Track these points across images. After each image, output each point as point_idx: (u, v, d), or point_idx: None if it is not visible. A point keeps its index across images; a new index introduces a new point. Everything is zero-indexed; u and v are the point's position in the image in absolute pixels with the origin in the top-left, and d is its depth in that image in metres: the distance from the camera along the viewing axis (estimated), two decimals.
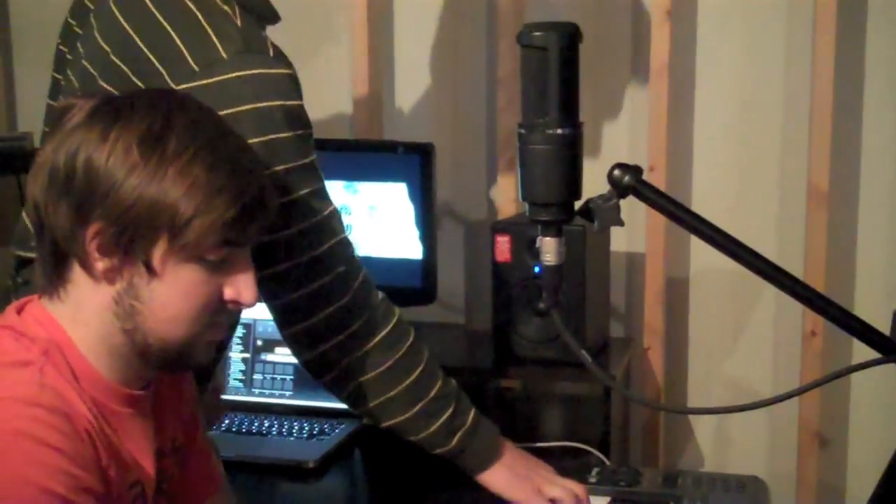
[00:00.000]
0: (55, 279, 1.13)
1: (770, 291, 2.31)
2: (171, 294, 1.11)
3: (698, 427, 2.39)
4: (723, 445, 2.39)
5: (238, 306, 1.16)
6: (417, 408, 1.50)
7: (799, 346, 2.23)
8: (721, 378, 2.36)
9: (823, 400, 2.23)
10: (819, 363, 2.19)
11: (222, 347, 1.62)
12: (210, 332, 1.16)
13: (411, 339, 1.50)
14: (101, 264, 1.10)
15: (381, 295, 1.50)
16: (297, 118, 1.37)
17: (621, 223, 1.05)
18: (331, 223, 1.43)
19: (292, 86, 1.37)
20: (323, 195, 1.43)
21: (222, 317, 1.17)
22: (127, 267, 1.10)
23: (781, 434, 2.32)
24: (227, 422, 1.96)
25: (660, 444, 2.32)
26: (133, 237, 1.08)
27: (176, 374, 1.26)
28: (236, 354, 2.06)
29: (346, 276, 1.44)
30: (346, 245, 1.46)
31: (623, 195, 1.03)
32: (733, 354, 2.36)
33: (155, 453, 1.21)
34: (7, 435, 1.01)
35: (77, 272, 1.12)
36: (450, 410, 1.52)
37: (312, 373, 1.50)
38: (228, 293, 1.14)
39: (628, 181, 1.02)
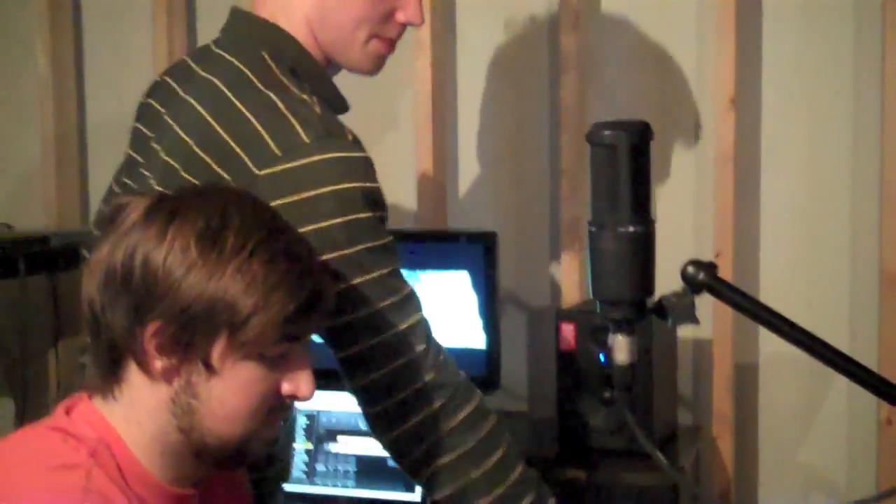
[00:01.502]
0: (110, 378, 1.13)
1: (843, 377, 2.24)
2: (229, 392, 1.10)
3: None
4: None
5: (295, 400, 1.15)
6: (499, 492, 1.45)
7: (875, 435, 2.16)
8: (793, 468, 2.29)
9: None
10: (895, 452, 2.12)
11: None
12: (267, 428, 1.15)
13: (493, 421, 1.47)
14: (159, 363, 1.09)
15: (462, 374, 1.48)
16: (375, 200, 1.39)
17: (696, 321, 1.03)
18: (410, 302, 1.42)
19: (370, 169, 1.39)
20: (401, 275, 1.43)
21: (279, 413, 1.16)
22: (185, 365, 1.09)
23: None
24: None
25: None
26: (193, 336, 1.08)
27: (230, 471, 1.25)
28: (299, 445, 2.05)
29: (427, 354, 1.42)
30: (425, 324, 1.45)
31: (697, 292, 1.01)
32: (805, 443, 2.29)
33: None
34: None
35: (133, 371, 1.11)
36: (530, 498, 1.47)
37: (393, 454, 1.47)
38: (286, 388, 1.13)
39: (703, 279, 1.00)
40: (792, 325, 1.00)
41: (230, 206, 1.11)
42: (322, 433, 2.04)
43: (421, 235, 2.25)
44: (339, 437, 2.03)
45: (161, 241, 1.08)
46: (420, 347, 1.42)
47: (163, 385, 1.10)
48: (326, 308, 1.16)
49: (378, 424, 1.45)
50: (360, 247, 1.35)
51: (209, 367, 1.09)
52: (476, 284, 2.09)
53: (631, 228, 1.05)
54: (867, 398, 2.18)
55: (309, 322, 1.13)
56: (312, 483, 2.04)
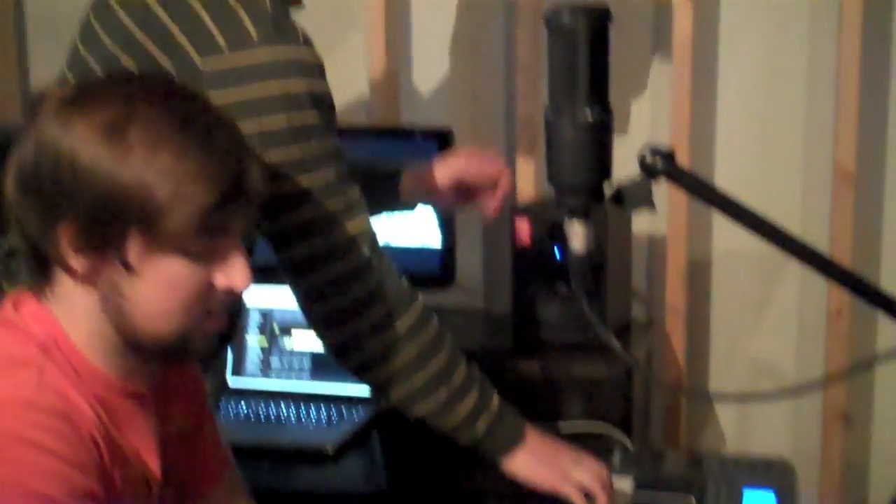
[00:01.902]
0: (41, 280, 1.10)
1: (794, 272, 2.28)
2: (154, 290, 1.06)
3: (720, 408, 2.36)
4: (745, 426, 2.37)
5: (233, 294, 1.11)
6: (443, 396, 1.48)
7: (823, 327, 2.20)
8: (744, 359, 2.34)
9: (849, 380, 2.20)
10: (844, 343, 2.16)
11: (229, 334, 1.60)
12: (207, 322, 1.11)
13: (435, 325, 1.48)
14: (77, 264, 1.05)
15: (405, 282, 1.48)
16: (323, 102, 1.36)
17: (653, 207, 1.02)
18: (356, 208, 1.41)
19: (319, 71, 1.36)
20: (347, 181, 1.41)
21: (217, 306, 1.11)
22: (105, 266, 1.05)
23: (805, 414, 2.29)
24: (244, 408, 1.95)
25: (681, 426, 2.30)
26: (105, 234, 1.03)
27: (175, 367, 1.22)
28: (254, 341, 2.04)
29: (371, 260, 1.42)
30: (370, 230, 1.43)
31: (654, 178, 1.00)
32: (757, 335, 2.33)
33: (160, 445, 1.18)
34: (3, 439, 0.98)
35: (59, 272, 1.08)
36: (475, 396, 1.50)
37: (335, 357, 1.48)
38: (221, 282, 1.09)
39: (660, 165, 0.99)
40: (747, 211, 1.00)
41: (140, 93, 1.05)
42: (276, 329, 2.04)
43: (374, 131, 2.22)
44: (294, 333, 2.02)
45: (67, 133, 1.02)
46: (365, 254, 1.41)
47: (89, 284, 1.07)
48: (253, 199, 1.09)
49: (320, 329, 1.46)
50: (304, 149, 1.32)
51: (128, 267, 1.05)
52: None
53: (589, 116, 1.03)
54: (817, 291, 2.22)
55: (233, 215, 1.07)
56: (267, 378, 2.03)
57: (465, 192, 1.73)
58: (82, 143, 1.02)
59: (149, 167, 1.02)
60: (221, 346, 1.59)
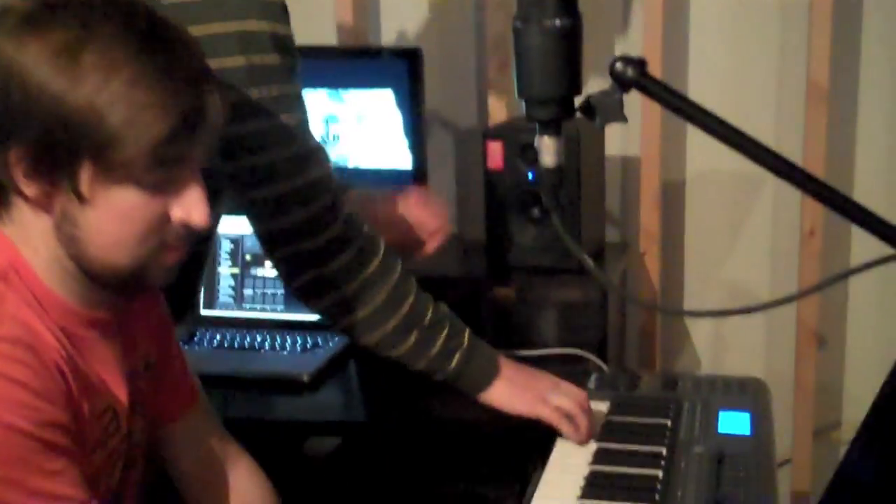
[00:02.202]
0: None
1: (768, 193, 2.28)
2: (106, 221, 1.03)
3: (695, 330, 2.38)
4: (720, 348, 2.38)
5: (189, 228, 1.07)
6: (414, 337, 1.48)
7: (797, 247, 2.20)
8: (718, 281, 2.34)
9: (822, 300, 2.21)
10: (818, 263, 2.17)
11: (200, 266, 1.58)
12: (163, 254, 1.08)
13: (399, 269, 1.48)
14: (30, 190, 1.02)
15: (367, 228, 1.47)
16: (285, 45, 1.33)
17: (624, 119, 1.00)
18: (317, 154, 1.39)
19: (283, 13, 1.33)
20: (308, 128, 1.39)
21: (174, 238, 1.08)
22: (57, 192, 1.02)
23: (779, 335, 2.31)
24: (218, 338, 1.94)
25: (656, 349, 2.31)
26: (55, 161, 1.00)
27: (135, 298, 1.19)
28: (225, 270, 2.02)
29: (333, 207, 1.41)
30: (332, 178, 1.42)
31: (626, 89, 0.98)
32: (730, 257, 2.33)
33: (126, 375, 1.17)
34: None
35: (15, 196, 1.05)
36: (444, 333, 1.49)
37: (301, 300, 1.48)
38: (177, 214, 1.06)
39: (632, 75, 0.96)
40: (720, 122, 0.98)
41: (99, 16, 1.01)
42: (248, 258, 2.02)
43: (342, 52, 2.18)
44: (267, 263, 2.00)
45: (19, 53, 0.99)
46: (327, 200, 1.39)
47: (43, 211, 1.04)
48: (211, 131, 1.06)
49: (283, 271, 1.45)
50: (264, 93, 1.30)
51: (80, 195, 1.02)
52: (400, 103, 2.04)
53: (557, 22, 1.00)
54: (791, 211, 2.22)
55: (190, 145, 1.03)
56: (240, 308, 2.02)
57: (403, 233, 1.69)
58: (34, 65, 0.99)
59: (101, 93, 0.98)
60: (195, 281, 1.57)
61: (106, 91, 0.98)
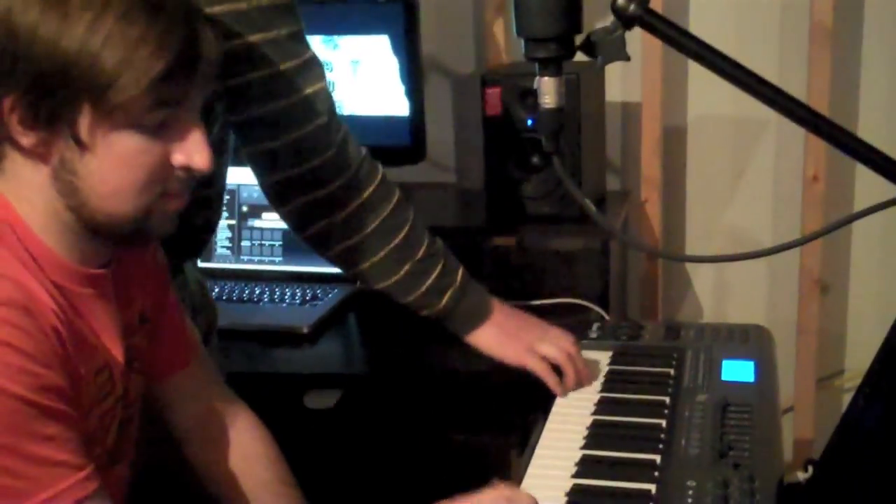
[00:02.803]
0: None
1: (770, 137, 2.24)
2: (107, 167, 1.00)
3: (697, 278, 2.36)
4: (722, 295, 2.36)
5: (191, 172, 1.04)
6: (406, 268, 1.45)
7: (800, 193, 2.18)
8: (720, 228, 2.32)
9: (825, 246, 2.19)
10: (821, 209, 2.15)
11: (213, 212, 1.55)
12: (165, 202, 1.05)
13: (396, 197, 1.45)
14: (26, 140, 0.99)
15: (363, 151, 1.43)
16: None
17: (627, 57, 0.97)
18: (310, 68, 1.34)
19: None
20: (302, 39, 1.34)
21: (176, 184, 1.05)
22: (55, 141, 0.99)
23: (781, 282, 2.29)
24: (216, 290, 1.92)
25: (658, 297, 2.29)
26: (53, 106, 0.97)
27: (136, 249, 1.17)
28: (222, 221, 1.99)
29: (328, 127, 1.36)
30: (327, 96, 1.37)
31: (628, 26, 0.95)
32: (732, 204, 2.31)
33: (122, 331, 1.14)
34: None
35: (9, 148, 1.01)
36: (437, 270, 1.47)
37: (292, 225, 1.44)
38: (178, 159, 1.03)
39: (634, 10, 0.93)
40: (726, 58, 0.95)
41: None
42: (245, 209, 1.99)
43: None
44: (264, 214, 1.97)
45: None
46: (323, 118, 1.35)
47: (40, 161, 1.01)
48: (208, 68, 1.03)
49: (275, 195, 1.41)
50: (255, 3, 1.25)
51: (79, 142, 0.99)
52: (396, 49, 2.00)
53: None
54: (794, 156, 2.19)
55: (188, 84, 1.00)
56: (238, 260, 2.00)
57: None
58: (21, 8, 0.95)
59: (94, 32, 0.95)
60: (206, 236, 1.53)
61: (100, 29, 0.95)
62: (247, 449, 1.32)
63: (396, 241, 1.44)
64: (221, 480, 1.30)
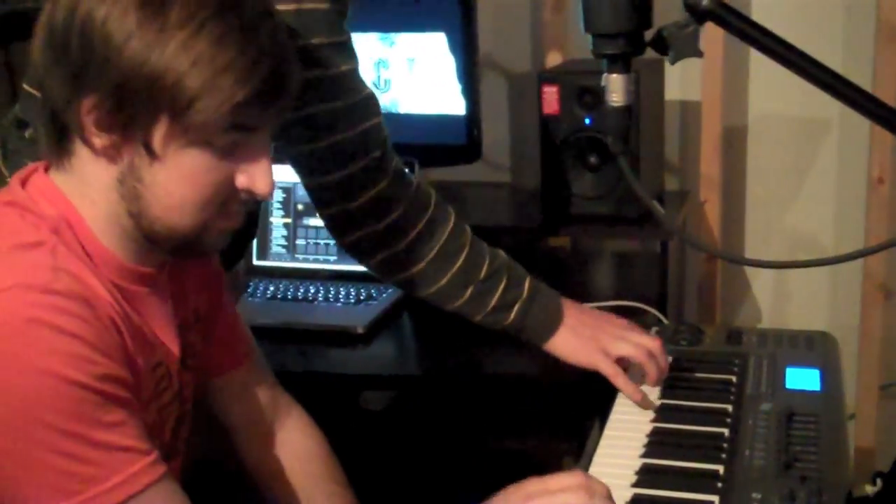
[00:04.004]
0: (59, 150, 1.04)
1: (833, 138, 2.19)
2: (174, 180, 1.01)
3: (756, 281, 2.31)
4: (782, 299, 2.32)
5: (252, 196, 1.05)
6: (469, 291, 1.44)
7: (864, 195, 2.13)
8: (781, 230, 2.27)
9: (889, 250, 2.13)
10: (885, 212, 2.10)
11: (251, 223, 1.55)
12: (222, 220, 1.06)
13: (452, 221, 1.44)
14: (98, 140, 1.00)
15: (417, 181, 1.43)
16: None
17: (700, 53, 0.94)
18: (367, 105, 1.35)
19: None
20: (359, 77, 1.34)
21: (235, 205, 1.06)
22: (127, 146, 1.00)
23: (844, 287, 2.24)
24: (271, 289, 1.91)
25: (717, 301, 2.25)
26: (132, 114, 0.97)
27: (187, 259, 1.17)
28: (278, 220, 1.99)
29: (383, 160, 1.36)
30: (382, 130, 1.37)
31: (701, 21, 0.91)
32: (794, 206, 2.26)
33: (177, 328, 1.15)
34: (22, 324, 0.93)
35: (78, 144, 1.02)
36: (502, 286, 1.45)
37: (353, 256, 1.45)
38: (241, 181, 1.04)
39: (707, 4, 0.90)
40: (797, 51, 0.91)
41: None
42: (300, 207, 1.98)
43: None
44: None
45: (102, 2, 0.96)
46: (376, 153, 1.35)
47: (108, 164, 1.02)
48: (288, 99, 1.04)
49: (334, 228, 1.41)
50: (314, 40, 1.25)
51: (151, 151, 0.99)
52: (453, 46, 1.98)
53: None
54: (858, 157, 2.14)
55: (265, 112, 1.02)
56: (293, 259, 1.99)
57: None
58: (119, 17, 0.96)
59: (186, 53, 0.96)
60: (244, 246, 1.54)
61: (191, 49, 0.96)
62: (298, 447, 1.32)
63: (457, 265, 1.43)
64: (273, 478, 1.31)
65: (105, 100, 0.97)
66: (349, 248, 1.43)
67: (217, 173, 1.02)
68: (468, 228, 1.46)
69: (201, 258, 1.20)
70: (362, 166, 1.35)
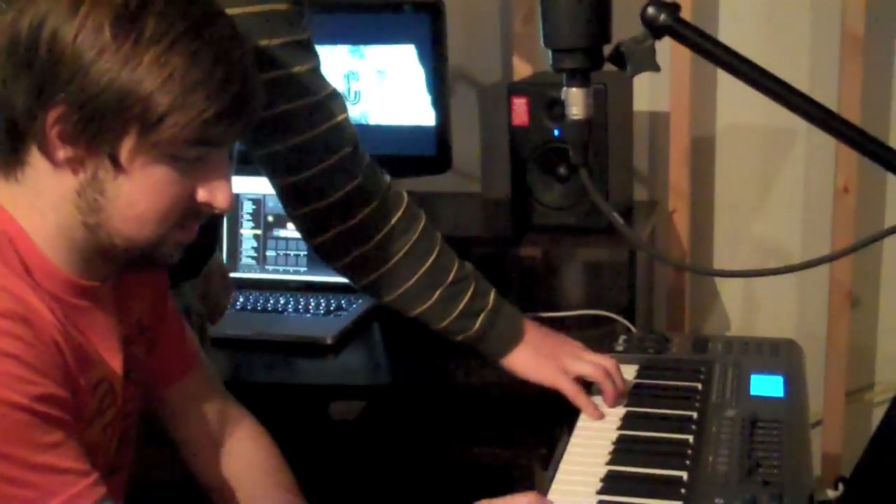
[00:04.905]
0: (11, 160, 1.03)
1: (800, 148, 2.22)
2: (138, 193, 1.01)
3: (724, 290, 2.33)
4: (750, 308, 2.34)
5: (211, 210, 1.06)
6: (436, 294, 1.44)
7: (830, 204, 2.15)
8: (749, 239, 2.29)
9: (855, 259, 2.16)
10: (851, 221, 2.12)
11: (214, 236, 1.55)
12: (179, 233, 1.07)
13: (422, 223, 1.44)
14: (62, 152, 0.99)
15: (388, 179, 1.43)
16: None
17: (657, 67, 0.95)
18: (331, 103, 1.35)
19: None
20: (320, 75, 1.34)
21: (193, 219, 1.07)
22: (91, 158, 1.00)
23: (811, 295, 2.26)
24: (241, 300, 1.91)
25: (685, 309, 2.26)
26: (100, 127, 0.97)
27: (139, 271, 1.17)
28: (248, 231, 2.00)
29: (353, 158, 1.36)
30: (349, 127, 1.37)
31: (658, 36, 0.93)
32: (761, 215, 2.28)
33: (121, 342, 1.14)
34: None
35: (36, 156, 1.01)
36: (469, 293, 1.45)
37: (322, 258, 1.45)
38: (202, 196, 1.05)
39: (664, 20, 0.91)
40: (759, 69, 0.93)
41: None
42: (270, 218, 1.99)
43: (362, 6, 2.12)
44: (289, 224, 1.97)
45: (73, 16, 0.96)
46: (346, 150, 1.35)
47: (68, 175, 1.01)
48: (250, 116, 1.06)
49: (303, 228, 1.41)
50: (274, 40, 1.26)
51: (117, 164, 1.00)
52: (423, 58, 1.99)
53: None
54: (824, 167, 2.17)
55: (231, 128, 1.03)
56: (263, 270, 1.99)
57: None
58: (92, 32, 0.96)
59: (159, 69, 0.96)
60: (207, 258, 1.54)
61: (166, 65, 0.97)
62: (249, 457, 1.31)
63: (426, 266, 1.43)
64: (222, 488, 1.29)
65: (72, 112, 0.97)
66: (320, 249, 1.42)
67: (180, 187, 1.03)
68: (439, 234, 1.46)
69: (150, 270, 1.19)
70: (332, 163, 1.34)
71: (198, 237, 1.12)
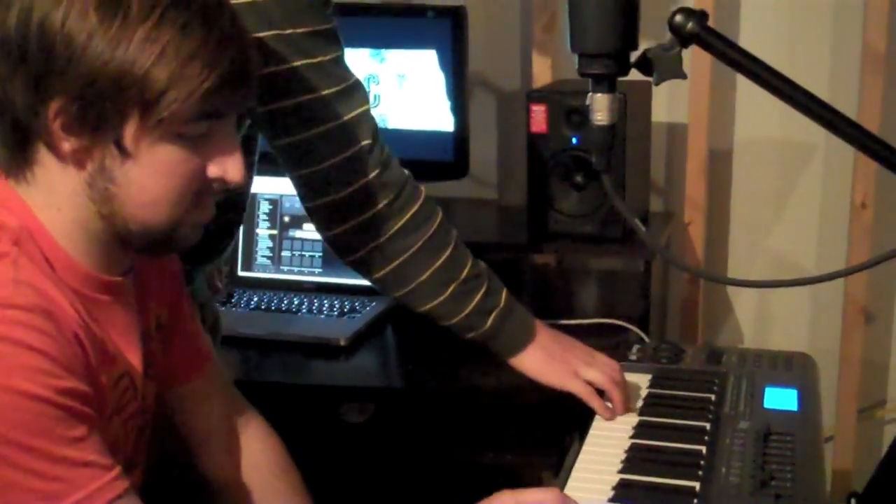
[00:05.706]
0: (20, 160, 1.03)
1: (818, 162, 2.21)
2: (148, 176, 1.00)
3: (738, 302, 2.33)
4: (763, 321, 2.33)
5: (224, 185, 1.06)
6: (450, 290, 1.43)
7: (847, 219, 2.14)
8: (764, 253, 2.29)
9: (870, 275, 2.15)
10: (868, 236, 2.11)
11: (233, 228, 1.55)
12: (196, 213, 1.06)
13: (439, 218, 1.43)
14: (67, 145, 0.99)
15: (406, 172, 1.42)
16: None
17: (684, 75, 0.95)
18: (354, 93, 1.34)
19: None
20: (344, 64, 1.34)
21: (208, 197, 1.06)
22: (97, 147, 0.99)
23: (825, 309, 2.25)
24: (255, 299, 1.92)
25: (699, 320, 2.26)
26: (101, 114, 0.97)
27: (160, 257, 1.17)
28: (263, 231, 2.00)
29: (371, 150, 1.36)
30: (370, 118, 1.37)
31: (686, 44, 0.93)
32: (777, 228, 2.28)
33: (140, 338, 1.14)
34: None
35: (43, 153, 1.01)
36: (482, 291, 1.45)
37: (337, 251, 1.44)
38: (213, 171, 1.04)
39: (692, 28, 0.91)
40: (781, 76, 0.93)
41: None
42: (286, 219, 1.99)
43: (384, 10, 2.13)
44: (305, 225, 1.97)
45: (57, 2, 0.95)
46: (365, 142, 1.35)
47: (76, 168, 1.01)
48: (251, 83, 1.04)
49: (319, 220, 1.41)
50: (299, 28, 1.26)
51: (123, 150, 0.99)
52: (443, 64, 2.00)
53: None
54: (842, 182, 2.16)
55: (232, 97, 1.02)
56: (278, 270, 2.00)
57: None
58: (78, 16, 0.95)
59: (151, 44, 0.95)
60: (227, 240, 1.54)
61: (156, 41, 0.96)
62: (257, 456, 1.31)
63: (440, 261, 1.42)
64: (229, 487, 1.29)
65: (72, 102, 0.96)
66: (336, 241, 1.41)
67: (189, 165, 1.02)
68: (454, 230, 1.46)
69: (172, 255, 1.19)
70: (352, 154, 1.34)
71: (216, 217, 1.11)
